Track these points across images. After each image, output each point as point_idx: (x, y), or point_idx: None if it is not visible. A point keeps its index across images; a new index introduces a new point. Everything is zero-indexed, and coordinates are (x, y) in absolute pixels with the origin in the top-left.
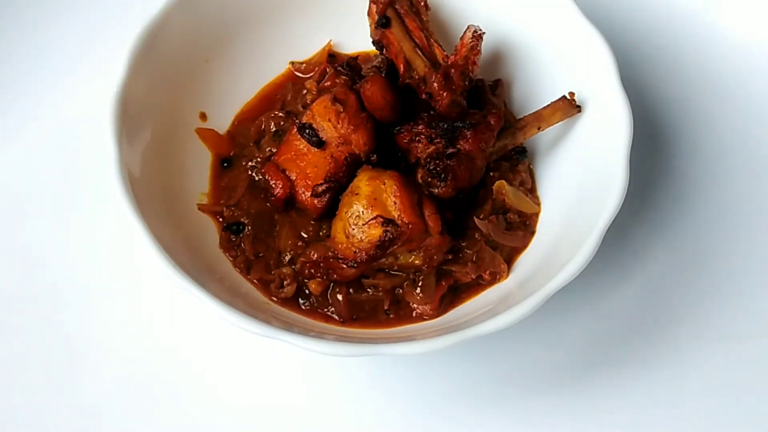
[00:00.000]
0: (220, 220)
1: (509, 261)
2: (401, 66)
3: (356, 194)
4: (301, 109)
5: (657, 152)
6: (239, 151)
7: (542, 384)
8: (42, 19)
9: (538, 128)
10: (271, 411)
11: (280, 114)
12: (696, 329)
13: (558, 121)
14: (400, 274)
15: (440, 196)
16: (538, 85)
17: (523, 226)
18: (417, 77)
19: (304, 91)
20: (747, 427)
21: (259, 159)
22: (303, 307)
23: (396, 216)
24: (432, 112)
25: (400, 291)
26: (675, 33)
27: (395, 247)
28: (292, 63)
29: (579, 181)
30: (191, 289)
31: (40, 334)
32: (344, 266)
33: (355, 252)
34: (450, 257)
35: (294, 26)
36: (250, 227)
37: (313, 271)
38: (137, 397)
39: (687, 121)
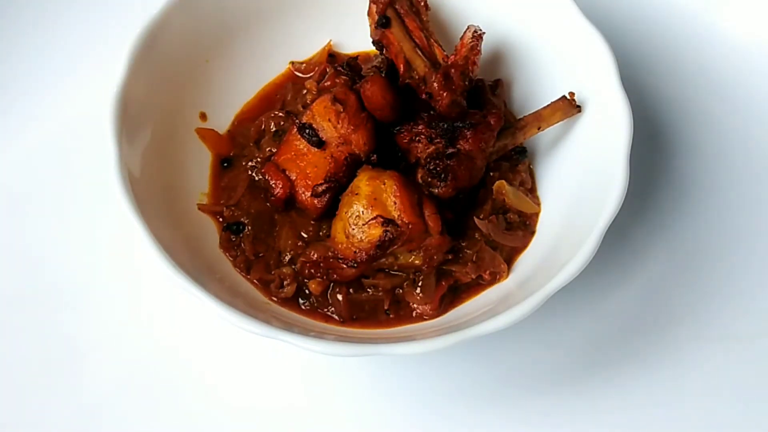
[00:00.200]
0: (220, 220)
1: (509, 261)
2: (401, 66)
3: (356, 194)
4: (301, 109)
5: (657, 152)
6: (239, 151)
7: (542, 384)
8: (42, 19)
9: (538, 128)
10: (271, 411)
11: (280, 114)
12: (696, 329)
13: (558, 121)
14: (400, 274)
15: (440, 196)
16: (538, 85)
17: (523, 226)
18: (417, 77)
19: (304, 91)
20: (747, 427)
21: (259, 159)
22: (303, 307)
23: (396, 216)
24: (432, 112)
25: (400, 291)
26: (675, 33)
27: (395, 247)
28: (292, 63)
29: (579, 181)
30: (191, 289)
31: (40, 334)
32: (344, 266)
33: (355, 252)
34: (450, 257)
35: (294, 26)
36: (250, 227)
37: (313, 271)
38: (137, 397)
39: (687, 120)
